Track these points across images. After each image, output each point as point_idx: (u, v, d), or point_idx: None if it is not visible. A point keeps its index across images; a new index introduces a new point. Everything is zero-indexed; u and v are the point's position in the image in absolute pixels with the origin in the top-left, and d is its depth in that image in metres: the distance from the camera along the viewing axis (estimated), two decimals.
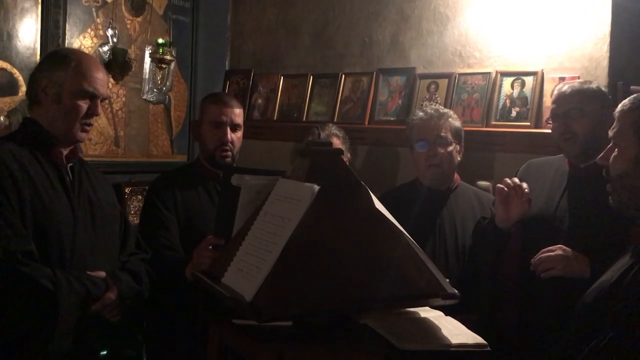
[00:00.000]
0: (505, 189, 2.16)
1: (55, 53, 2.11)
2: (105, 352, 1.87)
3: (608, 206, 1.70)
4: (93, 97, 1.98)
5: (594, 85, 2.25)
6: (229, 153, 2.49)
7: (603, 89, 2.29)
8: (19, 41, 3.01)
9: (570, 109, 2.20)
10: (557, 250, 2.05)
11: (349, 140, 2.91)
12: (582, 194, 2.19)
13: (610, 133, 1.68)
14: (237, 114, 2.54)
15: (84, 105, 1.96)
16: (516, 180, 2.19)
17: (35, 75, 1.99)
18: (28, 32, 3.04)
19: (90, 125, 2.01)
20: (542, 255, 2.06)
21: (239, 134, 2.55)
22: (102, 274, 1.94)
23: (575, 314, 1.59)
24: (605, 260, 1.85)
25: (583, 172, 2.22)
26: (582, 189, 2.20)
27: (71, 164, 2.02)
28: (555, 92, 2.29)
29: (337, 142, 2.76)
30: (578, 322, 1.57)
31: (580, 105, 2.19)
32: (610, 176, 1.66)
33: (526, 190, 2.15)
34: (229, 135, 2.48)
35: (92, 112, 1.98)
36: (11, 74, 2.98)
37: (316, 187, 1.43)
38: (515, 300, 2.27)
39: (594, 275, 1.85)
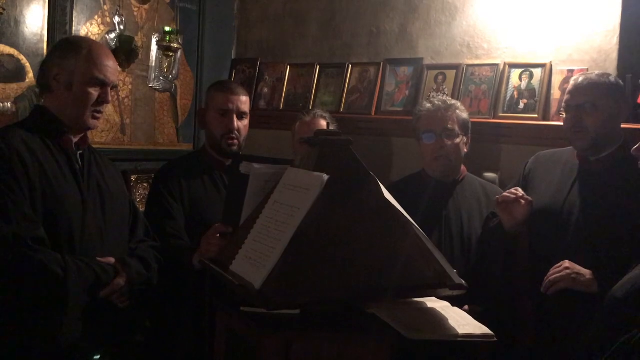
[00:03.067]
0: (502, 200, 2.21)
1: (66, 41, 2.12)
2: (98, 357, 1.86)
3: (618, 200, 1.69)
4: (103, 84, 2.00)
5: (611, 79, 2.22)
6: (236, 141, 2.49)
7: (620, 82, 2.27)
8: (27, 27, 2.99)
9: (583, 103, 2.19)
10: (563, 270, 2.05)
11: (335, 122, 2.82)
12: (592, 188, 2.18)
13: None
14: (244, 101, 2.53)
15: (94, 92, 1.98)
16: (512, 190, 2.22)
17: (47, 64, 2.01)
18: (35, 19, 3.03)
19: (100, 112, 2.03)
20: (550, 278, 2.07)
21: (246, 122, 2.55)
22: (112, 260, 1.95)
23: (604, 308, 1.58)
24: (613, 261, 1.85)
25: (593, 165, 2.22)
26: (592, 182, 2.19)
27: (81, 152, 2.03)
28: (571, 83, 2.27)
29: (323, 124, 2.71)
30: (607, 316, 1.56)
31: (593, 100, 2.17)
32: None
33: (523, 195, 2.19)
34: (235, 123, 2.48)
35: (102, 100, 2.00)
36: (18, 60, 2.96)
37: (325, 177, 1.43)
38: (528, 292, 2.26)
39: (602, 289, 1.85)
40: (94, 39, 3.27)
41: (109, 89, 2.02)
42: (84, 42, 2.03)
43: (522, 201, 2.18)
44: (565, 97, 2.27)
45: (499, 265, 2.32)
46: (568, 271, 2.04)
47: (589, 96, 2.18)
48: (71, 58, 1.96)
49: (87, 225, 1.93)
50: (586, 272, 2.03)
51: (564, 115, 2.27)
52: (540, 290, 2.10)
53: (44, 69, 2.01)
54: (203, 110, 2.62)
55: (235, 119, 2.49)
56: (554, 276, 2.06)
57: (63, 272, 1.77)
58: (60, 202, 1.87)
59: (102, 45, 2.28)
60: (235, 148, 2.49)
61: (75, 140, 2.00)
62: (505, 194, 2.24)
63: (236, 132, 2.49)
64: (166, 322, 2.35)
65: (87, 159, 2.04)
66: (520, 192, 2.21)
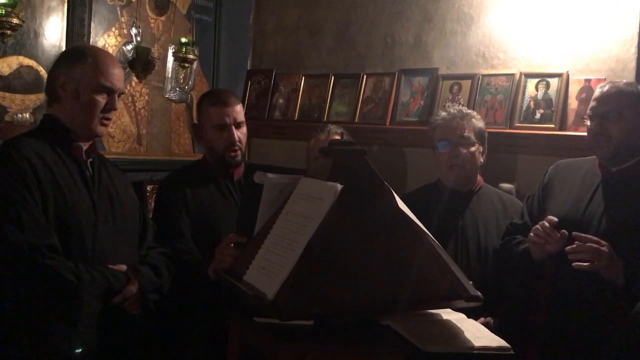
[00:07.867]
0: (538, 239, 2.11)
1: (72, 50, 2.15)
2: (79, 350, 1.86)
3: (639, 210, 1.65)
4: (110, 92, 2.01)
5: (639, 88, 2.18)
6: (239, 152, 2.46)
7: None
8: (45, 39, 3.05)
9: (609, 111, 2.14)
10: (605, 247, 1.96)
11: (350, 139, 2.83)
12: (613, 198, 2.14)
13: None
14: (238, 111, 2.48)
15: (101, 100, 1.99)
16: (546, 227, 2.10)
17: (53, 72, 2.03)
18: (54, 31, 3.08)
19: (108, 119, 2.05)
20: (590, 245, 1.97)
21: (244, 129, 2.50)
22: (123, 267, 1.97)
23: (624, 324, 1.55)
24: (632, 271, 1.80)
25: (615, 175, 2.18)
26: (613, 192, 2.15)
27: (91, 159, 2.05)
28: (597, 90, 2.23)
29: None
30: (627, 332, 1.53)
31: (619, 109, 2.13)
32: None
33: (558, 235, 2.08)
34: (235, 135, 2.44)
35: (110, 107, 2.02)
36: (37, 72, 3.01)
37: (339, 186, 1.43)
38: (544, 303, 2.22)
39: (627, 284, 1.80)
40: (111, 50, 3.32)
41: (116, 95, 2.03)
42: (89, 50, 2.05)
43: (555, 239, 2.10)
44: (591, 103, 2.22)
45: (519, 287, 2.28)
46: (607, 250, 1.95)
47: (615, 105, 2.14)
48: (77, 66, 1.97)
49: (98, 233, 1.95)
50: (620, 260, 1.96)
51: (588, 123, 2.23)
52: (557, 299, 2.05)
53: (51, 78, 2.03)
54: (198, 126, 2.54)
55: (234, 130, 2.44)
56: (594, 245, 1.96)
57: (77, 280, 1.79)
58: (73, 210, 1.89)
59: (108, 52, 2.30)
60: (238, 159, 2.47)
61: (84, 147, 2.02)
62: (540, 233, 2.12)
63: (238, 143, 2.46)
64: (182, 334, 2.34)
65: (97, 167, 2.06)
66: (553, 235, 2.09)
